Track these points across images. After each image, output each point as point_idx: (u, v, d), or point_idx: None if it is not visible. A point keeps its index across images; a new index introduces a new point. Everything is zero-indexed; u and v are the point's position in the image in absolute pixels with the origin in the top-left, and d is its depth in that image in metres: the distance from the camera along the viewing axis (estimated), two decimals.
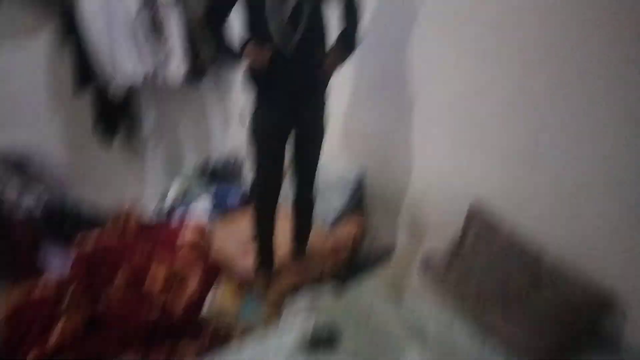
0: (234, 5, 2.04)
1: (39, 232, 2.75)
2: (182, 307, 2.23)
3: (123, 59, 2.77)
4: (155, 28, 2.88)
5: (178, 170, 3.56)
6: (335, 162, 2.90)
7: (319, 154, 2.36)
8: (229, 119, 3.65)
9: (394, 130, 2.53)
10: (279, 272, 2.52)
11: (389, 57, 2.43)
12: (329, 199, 2.80)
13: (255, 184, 2.34)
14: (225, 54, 2.18)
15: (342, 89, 2.75)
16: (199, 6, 2.83)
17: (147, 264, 2.39)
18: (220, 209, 3.30)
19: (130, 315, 2.14)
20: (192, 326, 2.19)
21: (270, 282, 2.47)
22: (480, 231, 2.06)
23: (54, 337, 1.99)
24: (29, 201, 2.66)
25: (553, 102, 1.78)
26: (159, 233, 2.80)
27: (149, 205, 3.34)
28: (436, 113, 2.27)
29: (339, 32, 2.13)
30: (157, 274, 2.32)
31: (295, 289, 2.39)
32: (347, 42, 2.12)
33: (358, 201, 2.83)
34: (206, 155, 3.67)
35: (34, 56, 2.76)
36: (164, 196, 3.41)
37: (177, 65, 2.99)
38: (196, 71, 3.10)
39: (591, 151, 1.70)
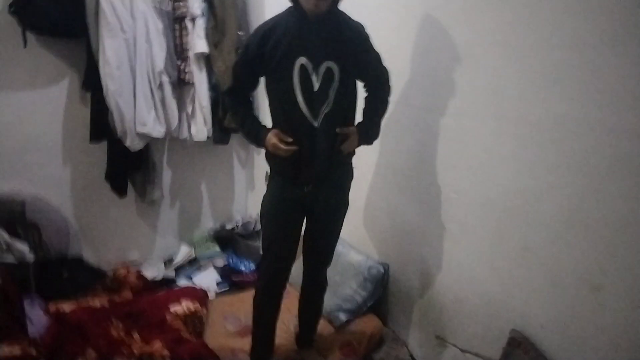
0: (255, 84, 1.91)
1: (27, 282, 2.53)
2: None
3: (143, 116, 2.62)
4: (180, 88, 2.75)
5: (190, 233, 3.29)
6: (354, 249, 2.57)
7: (337, 234, 2.07)
8: (253, 182, 3.41)
9: (425, 226, 2.18)
10: None
11: (425, 140, 2.12)
12: (343, 290, 2.45)
13: (262, 265, 2.05)
14: (246, 138, 1.94)
15: (369, 169, 2.47)
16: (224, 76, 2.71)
17: (125, 338, 2.07)
18: (229, 281, 2.99)
19: None
20: None
21: None
22: None
23: None
24: (22, 248, 2.44)
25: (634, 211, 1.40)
26: (153, 299, 2.50)
27: (153, 267, 3.06)
28: (473, 209, 1.91)
29: (364, 113, 1.94)
30: (136, 350, 1.99)
31: None
32: (370, 127, 1.94)
33: (378, 299, 2.44)
34: (223, 219, 3.40)
35: (53, 102, 2.66)
36: (170, 259, 3.15)
37: (199, 128, 2.82)
38: (221, 132, 2.90)
39: None
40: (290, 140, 1.77)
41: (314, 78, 1.73)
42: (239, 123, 1.94)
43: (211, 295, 2.83)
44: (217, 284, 2.97)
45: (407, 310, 2.37)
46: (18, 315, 2.36)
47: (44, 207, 2.73)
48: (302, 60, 1.71)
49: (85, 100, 2.70)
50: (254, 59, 1.77)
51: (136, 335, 2.14)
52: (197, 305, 2.45)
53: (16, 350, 1.98)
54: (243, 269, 3.07)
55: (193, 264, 3.13)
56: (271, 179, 1.93)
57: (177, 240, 3.25)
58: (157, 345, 2.02)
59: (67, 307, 2.22)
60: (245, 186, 3.44)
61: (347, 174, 1.98)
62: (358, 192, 2.57)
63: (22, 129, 2.62)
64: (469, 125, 1.90)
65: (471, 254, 1.95)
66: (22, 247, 2.45)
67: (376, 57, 1.88)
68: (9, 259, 2.42)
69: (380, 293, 2.45)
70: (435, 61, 2.04)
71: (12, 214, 2.53)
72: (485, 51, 1.79)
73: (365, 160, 2.42)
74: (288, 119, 1.78)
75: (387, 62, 1.90)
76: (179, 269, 3.09)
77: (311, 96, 1.74)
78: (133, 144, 2.67)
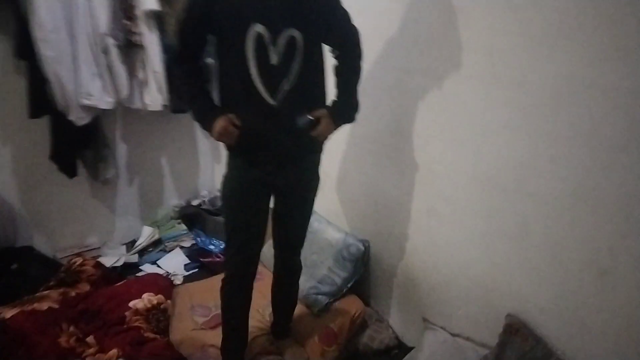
0: (201, 49, 1.58)
1: None
2: None
3: (87, 85, 2.30)
4: (129, 51, 2.41)
5: (153, 212, 3.03)
6: (331, 225, 2.36)
7: (309, 214, 1.85)
8: (219, 153, 3.13)
9: (407, 201, 1.98)
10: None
11: (406, 105, 1.88)
12: (320, 270, 2.26)
13: (227, 252, 1.82)
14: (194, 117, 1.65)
15: (343, 136, 2.24)
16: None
17: (77, 345, 1.84)
18: (198, 262, 2.77)
19: None
20: None
21: None
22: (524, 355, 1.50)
23: None
24: None
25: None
26: (111, 293, 2.25)
27: (113, 252, 2.81)
28: (462, 184, 1.72)
29: (337, 86, 1.66)
30: None
31: None
32: (346, 103, 1.66)
33: (359, 279, 2.26)
34: (188, 195, 3.14)
35: None
36: (131, 244, 2.89)
37: (153, 97, 2.51)
38: (179, 99, 2.60)
39: None
40: (238, 124, 1.51)
41: (272, 50, 1.45)
42: (188, 98, 1.64)
43: (179, 279, 2.61)
44: (185, 266, 2.74)
45: (391, 291, 2.21)
46: None
47: None
48: (257, 27, 1.42)
49: (20, 70, 2.36)
50: (200, 18, 1.48)
51: (91, 339, 1.91)
52: (161, 297, 2.22)
53: None
54: (212, 248, 2.85)
55: (158, 245, 2.89)
56: (229, 157, 1.68)
57: (139, 222, 2.98)
58: (113, 352, 1.80)
59: (7, 312, 1.95)
60: (211, 158, 3.16)
61: (316, 159, 1.74)
62: (332, 162, 2.35)
63: None
64: (457, 88, 1.67)
65: (461, 233, 1.77)
66: None
67: (344, 16, 1.59)
68: None
69: (361, 272, 2.27)
70: (417, 13, 1.79)
71: None
72: (477, 1, 1.54)
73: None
74: (238, 95, 1.51)
75: (358, 16, 1.60)
76: (142, 253, 2.84)
77: (269, 70, 1.47)
78: (78, 118, 2.35)
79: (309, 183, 1.77)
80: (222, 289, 1.86)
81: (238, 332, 1.95)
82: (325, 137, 1.65)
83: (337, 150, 2.28)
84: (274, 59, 1.46)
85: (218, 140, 1.57)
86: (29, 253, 2.58)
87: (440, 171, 1.80)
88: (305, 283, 2.14)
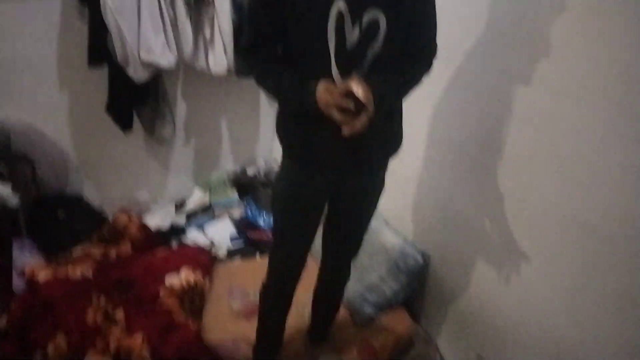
0: (281, 34, 1.26)
1: (16, 225, 2.25)
2: None
3: (149, 40, 2.11)
4: (197, 7, 2.20)
5: (206, 175, 2.90)
6: (389, 226, 2.13)
7: (369, 220, 1.62)
8: None
9: (484, 227, 1.70)
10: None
11: (502, 117, 1.56)
12: (369, 276, 2.06)
13: (273, 257, 1.65)
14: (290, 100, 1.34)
15: (422, 136, 1.95)
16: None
17: (103, 324, 1.77)
18: (245, 237, 2.63)
19: None
20: None
21: None
22: None
23: None
24: (3, 191, 2.11)
25: None
26: (149, 264, 2.16)
27: (161, 211, 2.73)
28: (559, 227, 1.41)
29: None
30: (111, 344, 1.68)
31: None
32: (387, 83, 1.26)
33: (411, 294, 2.04)
34: (245, 162, 2.98)
35: (46, 15, 2.17)
36: (180, 205, 2.80)
37: (218, 59, 2.30)
38: (239, 66, 2.38)
39: None
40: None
41: (350, 31, 1.19)
42: (274, 84, 1.31)
43: (222, 251, 2.50)
44: (231, 239, 2.62)
45: (446, 315, 1.98)
46: (3, 266, 2.10)
47: (37, 138, 2.36)
48: (339, 4, 1.16)
49: (83, 16, 2.21)
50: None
51: (120, 314, 1.83)
52: (199, 276, 2.10)
53: None
54: (262, 224, 2.69)
55: (206, 210, 2.77)
56: (284, 157, 1.46)
57: (191, 183, 2.87)
58: (138, 340, 1.70)
59: (42, 275, 1.89)
60: (272, 127, 2.92)
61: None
62: (405, 160, 2.07)
63: (9, 46, 2.17)
64: (571, 109, 1.33)
65: (545, 280, 1.48)
66: (4, 189, 2.11)
67: (431, 19, 1.29)
68: None
69: (415, 287, 2.04)
70: (523, 6, 1.44)
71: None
72: None
73: (418, 126, 1.91)
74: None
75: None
76: (190, 216, 2.74)
77: (344, 56, 1.21)
78: (137, 74, 2.19)
79: (374, 191, 1.54)
80: (262, 293, 1.70)
81: (273, 336, 1.82)
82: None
83: (411, 146, 2.00)
84: (351, 42, 1.20)
85: (327, 111, 1.18)
86: (77, 203, 2.53)
87: (534, 204, 1.49)
88: (351, 286, 1.94)
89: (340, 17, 1.17)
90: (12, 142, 2.24)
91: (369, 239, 2.05)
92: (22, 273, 1.98)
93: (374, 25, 1.20)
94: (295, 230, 1.52)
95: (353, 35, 1.20)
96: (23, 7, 2.13)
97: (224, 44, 2.32)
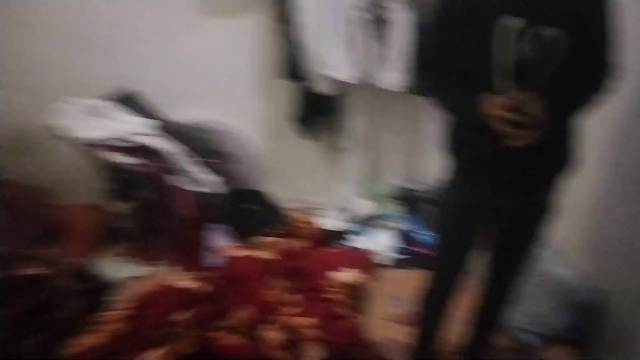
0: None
1: (210, 212, 2.66)
2: None
3: (332, 56, 2.34)
4: (377, 29, 2.36)
5: (373, 187, 3.05)
6: (560, 256, 1.99)
7: (537, 241, 1.57)
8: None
9: None
10: None
11: None
12: (532, 306, 1.96)
13: (434, 263, 1.72)
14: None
15: (606, 161, 1.80)
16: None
17: (280, 303, 2.01)
18: (407, 249, 2.71)
19: None
20: None
21: None
22: None
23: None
24: (207, 180, 2.53)
25: None
26: (321, 258, 2.39)
27: (330, 216, 2.95)
28: None
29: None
30: (278, 332, 1.90)
31: None
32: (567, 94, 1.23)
33: (582, 331, 1.87)
34: (411, 179, 3.05)
35: (249, 32, 2.55)
36: (349, 212, 2.98)
37: (394, 76, 2.43)
38: (419, 80, 2.47)
39: None
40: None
41: (519, 49, 1.18)
42: (448, 98, 1.39)
43: (384, 261, 2.61)
44: (393, 250, 2.71)
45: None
46: (198, 244, 2.51)
47: (236, 139, 2.78)
48: (509, 20, 1.17)
49: (278, 33, 2.53)
50: (458, 14, 1.29)
51: (295, 298, 2.07)
52: (364, 276, 2.26)
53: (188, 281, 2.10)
54: (423, 239, 2.73)
55: (371, 221, 2.91)
56: (451, 172, 1.51)
57: (358, 193, 3.04)
58: (309, 321, 1.91)
59: (238, 252, 2.26)
60: (439, 146, 2.98)
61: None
62: (583, 186, 1.93)
63: (219, 57, 2.61)
64: None
65: None
66: (213, 177, 2.51)
67: (610, 37, 1.22)
68: (199, 187, 2.52)
69: (587, 324, 1.87)
70: None
71: (205, 144, 2.62)
72: None
73: (600, 150, 1.77)
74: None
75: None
76: (355, 223, 2.91)
77: (513, 71, 1.21)
78: (320, 86, 2.45)
79: (535, 213, 1.49)
80: (421, 298, 1.76)
81: (427, 344, 1.86)
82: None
83: (593, 172, 1.86)
84: (519, 59, 1.20)
85: (493, 123, 1.20)
86: (262, 199, 2.89)
87: None
88: (514, 314, 1.87)
89: (509, 31, 1.18)
90: (218, 141, 2.68)
91: (536, 267, 1.96)
92: (217, 251, 2.36)
93: (546, 42, 1.18)
94: (456, 243, 1.56)
95: (523, 50, 1.20)
96: (228, 23, 2.54)
97: (401, 62, 2.45)
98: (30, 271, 2.04)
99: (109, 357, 1.79)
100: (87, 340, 1.85)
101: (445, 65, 1.38)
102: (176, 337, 1.83)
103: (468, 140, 1.42)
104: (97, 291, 2.22)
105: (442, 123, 1.52)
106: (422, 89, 2.42)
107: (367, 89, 2.72)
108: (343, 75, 2.41)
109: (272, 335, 1.88)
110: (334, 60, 2.39)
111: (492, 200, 1.45)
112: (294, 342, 1.86)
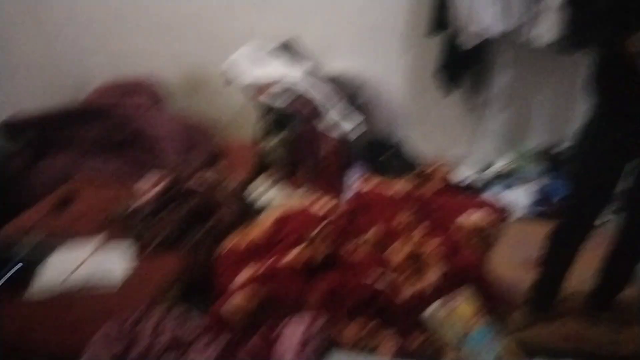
0: None
1: (349, 154, 2.87)
2: (408, 295, 1.92)
3: (481, 10, 2.41)
4: None
5: (515, 145, 3.01)
6: None
7: None
8: None
9: None
10: (555, 319, 1.89)
11: None
12: None
13: (570, 197, 1.79)
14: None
15: None
16: None
17: (405, 231, 2.16)
18: (540, 209, 2.65)
19: (358, 275, 1.98)
20: (406, 320, 1.88)
21: (533, 327, 1.88)
22: None
23: (288, 258, 2.04)
24: (348, 126, 2.75)
25: None
26: (447, 202, 2.49)
27: (465, 170, 2.99)
28: None
29: None
30: (403, 246, 2.06)
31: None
32: None
33: None
34: (556, 139, 2.94)
35: None
36: (486, 167, 2.99)
37: (547, 28, 2.40)
38: (572, 38, 2.39)
39: None
40: None
41: None
42: (603, 43, 1.46)
43: (517, 213, 2.61)
44: (528, 206, 2.67)
45: None
46: (339, 182, 2.75)
47: (379, 89, 2.97)
48: None
49: None
50: None
51: (420, 227, 2.20)
52: (491, 221, 2.31)
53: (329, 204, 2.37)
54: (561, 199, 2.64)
55: (508, 178, 2.89)
56: (598, 113, 1.54)
57: (499, 149, 3.04)
58: (433, 245, 2.04)
59: (366, 186, 2.48)
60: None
61: None
62: None
63: (372, 12, 2.81)
64: None
65: None
66: (356, 124, 2.73)
67: None
68: (341, 132, 2.75)
69: None
70: None
71: (351, 92, 2.85)
72: None
73: None
74: None
75: None
76: (492, 179, 2.91)
77: None
78: (467, 40, 2.51)
79: None
80: (552, 232, 1.78)
81: (551, 284, 1.88)
82: None
83: None
84: None
85: None
86: (398, 149, 3.05)
87: None
88: None
89: None
90: (363, 91, 2.89)
91: None
92: (354, 185, 2.60)
93: None
94: (599, 185, 1.60)
95: None
96: None
97: (555, 16, 2.39)
98: (198, 187, 2.43)
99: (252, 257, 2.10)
100: (238, 240, 2.19)
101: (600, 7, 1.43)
102: (311, 244, 2.07)
103: (614, 80, 1.45)
104: (248, 207, 2.59)
105: (589, 66, 1.55)
106: (576, 39, 2.36)
107: (517, 44, 2.70)
108: (490, 30, 2.45)
109: (398, 248, 2.05)
110: (485, 14, 2.44)
111: (636, 139, 1.44)
112: (418, 258, 2.00)
